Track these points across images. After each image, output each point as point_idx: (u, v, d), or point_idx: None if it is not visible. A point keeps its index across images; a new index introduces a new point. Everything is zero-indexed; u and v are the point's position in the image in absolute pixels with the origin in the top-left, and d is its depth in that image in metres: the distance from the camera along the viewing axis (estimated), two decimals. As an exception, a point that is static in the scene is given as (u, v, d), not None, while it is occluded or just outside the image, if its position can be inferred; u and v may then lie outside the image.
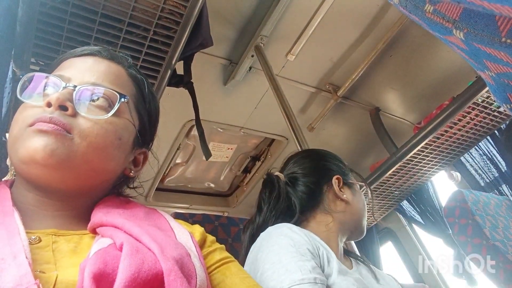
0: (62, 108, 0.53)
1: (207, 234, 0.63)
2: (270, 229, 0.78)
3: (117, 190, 0.66)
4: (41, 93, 0.56)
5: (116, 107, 0.57)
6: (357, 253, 1.05)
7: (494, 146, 1.90)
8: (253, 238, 0.82)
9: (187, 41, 0.96)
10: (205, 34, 1.03)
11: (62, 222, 0.54)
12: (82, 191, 0.57)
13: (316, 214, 0.87)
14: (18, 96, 0.56)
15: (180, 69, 1.12)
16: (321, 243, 0.77)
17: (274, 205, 0.86)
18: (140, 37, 0.92)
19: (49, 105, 0.52)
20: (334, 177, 0.89)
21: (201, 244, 0.59)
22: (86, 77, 0.58)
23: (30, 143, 0.50)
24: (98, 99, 0.57)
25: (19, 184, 0.56)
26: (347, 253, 0.91)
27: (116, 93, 0.58)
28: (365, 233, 0.92)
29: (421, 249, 2.23)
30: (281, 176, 0.93)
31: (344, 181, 0.91)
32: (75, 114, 0.54)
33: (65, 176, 0.53)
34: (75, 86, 0.56)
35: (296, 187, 0.89)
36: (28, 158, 0.50)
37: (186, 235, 0.55)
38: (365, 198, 0.96)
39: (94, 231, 0.52)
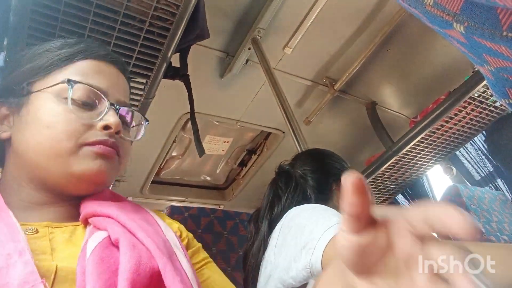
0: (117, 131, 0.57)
1: (188, 232, 0.66)
2: (299, 206, 0.79)
3: None
4: (85, 105, 0.56)
5: (142, 132, 0.64)
6: None
7: (490, 141, 1.91)
8: (272, 224, 0.85)
9: (183, 33, 0.94)
10: (202, 26, 1.02)
11: (56, 215, 0.55)
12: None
13: None
14: (69, 104, 0.55)
15: (176, 61, 1.11)
16: None
17: (293, 195, 0.89)
18: (136, 28, 0.90)
19: (107, 128, 0.56)
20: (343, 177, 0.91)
21: (186, 243, 0.62)
22: (117, 94, 0.60)
23: (93, 165, 0.53)
24: (131, 122, 0.63)
25: (13, 181, 0.56)
26: None
27: (143, 118, 0.65)
28: None
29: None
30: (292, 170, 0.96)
31: None
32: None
33: (97, 189, 0.57)
34: (117, 107, 0.58)
35: (307, 182, 0.92)
36: (86, 177, 0.53)
37: (171, 232, 0.57)
38: None
39: (86, 221, 0.54)
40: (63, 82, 0.56)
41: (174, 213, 1.32)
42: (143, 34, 0.91)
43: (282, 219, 0.79)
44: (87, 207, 0.54)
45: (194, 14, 0.93)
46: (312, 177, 0.92)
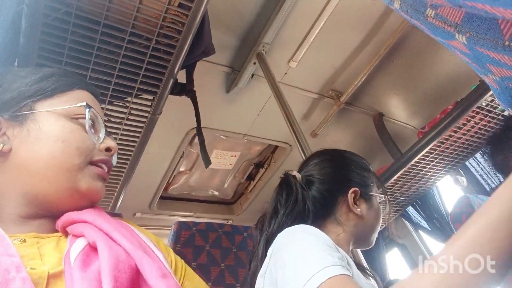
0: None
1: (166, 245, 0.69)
2: (290, 228, 0.74)
3: None
4: (89, 125, 0.62)
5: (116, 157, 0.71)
6: (365, 263, 1.03)
7: (500, 150, 1.88)
8: (268, 243, 0.80)
9: (189, 50, 0.96)
10: (207, 42, 1.03)
11: (40, 228, 0.57)
12: None
13: (327, 224, 0.84)
14: (88, 122, 0.61)
15: (182, 77, 1.13)
16: (337, 247, 0.72)
17: (291, 210, 0.83)
18: (142, 46, 0.92)
19: (108, 150, 0.63)
20: (351, 190, 0.85)
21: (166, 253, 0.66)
22: (101, 120, 0.66)
23: (96, 184, 0.60)
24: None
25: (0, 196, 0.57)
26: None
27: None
28: (372, 245, 0.90)
29: (428, 255, 2.20)
30: (298, 176, 0.89)
31: (362, 193, 0.86)
32: None
33: (89, 206, 0.60)
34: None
35: (310, 192, 0.86)
36: (89, 194, 0.58)
37: (143, 234, 0.61)
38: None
39: (64, 231, 0.56)
40: (80, 105, 0.61)
41: (182, 229, 1.32)
42: (149, 51, 0.93)
43: (274, 241, 0.74)
44: (64, 216, 0.56)
45: (200, 31, 0.95)
46: (318, 188, 0.86)
